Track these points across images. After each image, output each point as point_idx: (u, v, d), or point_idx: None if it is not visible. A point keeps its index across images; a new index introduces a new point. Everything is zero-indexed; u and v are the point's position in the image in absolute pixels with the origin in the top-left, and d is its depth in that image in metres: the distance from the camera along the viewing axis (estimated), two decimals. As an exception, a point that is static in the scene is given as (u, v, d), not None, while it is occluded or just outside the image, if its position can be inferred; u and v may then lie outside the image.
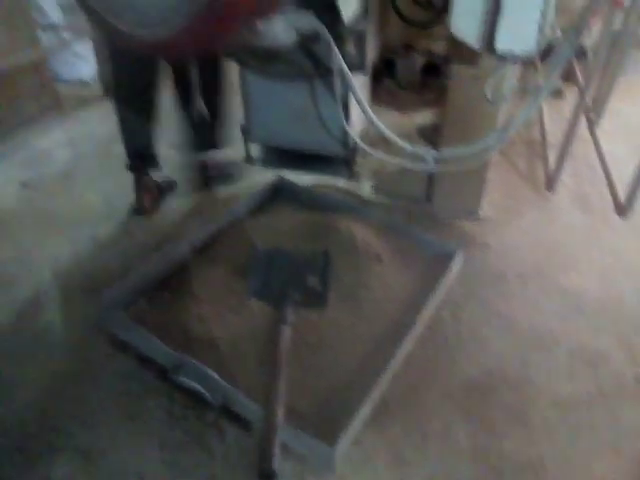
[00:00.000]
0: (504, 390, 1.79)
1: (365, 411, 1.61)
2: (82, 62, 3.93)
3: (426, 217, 2.61)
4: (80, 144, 3.27)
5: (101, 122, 3.49)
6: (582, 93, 2.63)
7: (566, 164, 2.90)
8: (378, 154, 1.54)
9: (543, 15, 1.09)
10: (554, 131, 3.27)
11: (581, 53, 3.75)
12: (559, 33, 1.30)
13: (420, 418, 1.69)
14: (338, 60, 1.33)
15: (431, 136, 2.88)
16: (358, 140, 1.51)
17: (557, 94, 3.89)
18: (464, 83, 2.12)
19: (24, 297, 2.11)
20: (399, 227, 2.36)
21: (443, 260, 2.14)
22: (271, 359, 1.59)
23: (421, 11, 1.63)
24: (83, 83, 3.95)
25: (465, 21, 1.16)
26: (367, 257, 2.11)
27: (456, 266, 2.18)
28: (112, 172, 2.93)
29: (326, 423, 1.55)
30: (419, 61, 3.93)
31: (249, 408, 1.52)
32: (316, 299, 1.93)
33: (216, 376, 1.56)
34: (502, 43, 1.13)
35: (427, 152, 1.50)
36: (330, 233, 2.18)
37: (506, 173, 3.04)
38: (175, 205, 2.66)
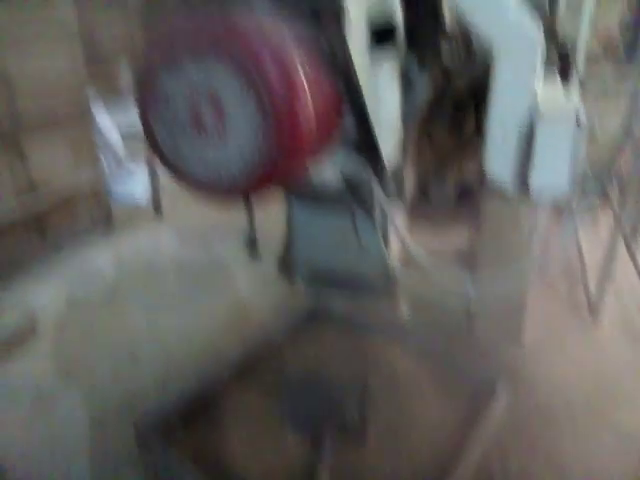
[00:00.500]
0: None
1: None
2: (136, 183, 4.25)
3: (467, 342, 2.54)
4: (127, 262, 3.43)
5: (149, 241, 3.70)
6: (618, 216, 2.65)
7: (608, 288, 2.85)
8: (417, 282, 1.56)
9: (574, 158, 1.16)
10: (592, 252, 3.24)
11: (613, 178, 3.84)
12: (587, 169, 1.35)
13: None
14: (378, 196, 1.41)
15: (468, 259, 2.90)
16: (397, 269, 1.54)
17: (593, 215, 3.92)
18: (498, 210, 2.18)
19: (61, 416, 2.10)
20: (440, 356, 2.30)
21: (486, 392, 2.05)
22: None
23: (453, 138, 1.75)
24: (135, 203, 4.24)
25: (498, 164, 1.24)
26: (407, 388, 2.04)
27: (500, 401, 2.08)
28: (155, 290, 3.04)
29: None
30: (453, 183, 4.07)
31: None
32: (355, 436, 1.85)
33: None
34: (537, 187, 1.18)
35: (466, 280, 1.51)
36: (369, 360, 2.14)
37: (546, 297, 2.98)
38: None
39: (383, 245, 1.55)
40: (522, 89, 1.17)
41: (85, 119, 3.51)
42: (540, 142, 1.17)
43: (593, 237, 3.49)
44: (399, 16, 1.30)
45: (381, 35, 1.32)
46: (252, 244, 1.59)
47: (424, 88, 1.43)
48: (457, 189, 4.18)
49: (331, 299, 2.51)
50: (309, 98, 0.93)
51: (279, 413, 1.91)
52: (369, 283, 1.69)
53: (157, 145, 1.01)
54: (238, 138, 0.93)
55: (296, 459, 1.74)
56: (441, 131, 2.07)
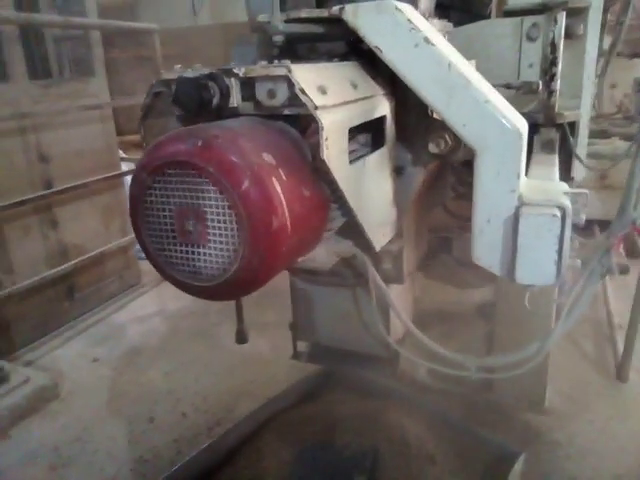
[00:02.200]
0: None
1: None
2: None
3: (486, 407, 2.48)
4: (151, 320, 3.55)
5: (174, 298, 3.82)
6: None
7: (637, 348, 2.75)
8: (417, 359, 1.57)
9: (560, 250, 1.17)
10: (621, 309, 3.15)
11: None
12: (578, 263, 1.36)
13: None
14: (373, 277, 1.46)
15: (490, 314, 2.87)
16: (395, 346, 1.56)
17: (623, 270, 3.82)
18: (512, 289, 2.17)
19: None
20: (456, 421, 2.25)
21: (506, 462, 1.98)
22: None
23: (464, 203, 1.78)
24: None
25: (485, 252, 1.26)
26: (419, 457, 2.00)
27: (518, 471, 2.01)
28: (175, 350, 3.13)
29: None
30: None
31: None
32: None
33: None
34: (522, 277, 1.20)
35: (470, 360, 1.51)
36: (380, 427, 2.11)
37: (572, 357, 2.90)
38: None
39: (381, 324, 1.58)
40: (504, 184, 1.21)
41: (116, 187, 3.72)
42: (523, 234, 1.19)
43: (623, 292, 3.40)
44: (389, 118, 1.37)
45: (373, 135, 1.39)
46: (240, 335, 1.67)
47: (417, 176, 1.48)
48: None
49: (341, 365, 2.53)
50: (286, 210, 1.00)
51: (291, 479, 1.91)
52: (370, 359, 1.72)
53: (145, 246, 1.10)
54: (218, 245, 1.01)
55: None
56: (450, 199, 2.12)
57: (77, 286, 3.50)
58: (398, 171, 1.50)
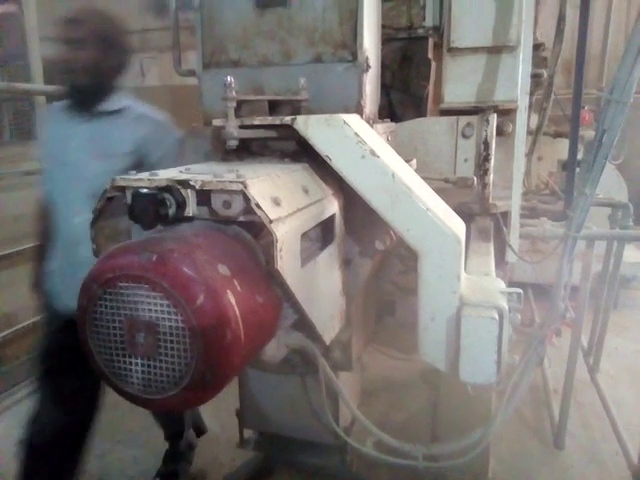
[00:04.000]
0: None
1: None
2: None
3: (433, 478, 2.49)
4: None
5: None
6: (576, 335, 2.74)
7: (573, 414, 2.87)
8: (368, 451, 1.58)
9: (499, 349, 1.25)
10: (556, 373, 3.30)
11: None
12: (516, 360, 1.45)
13: None
14: (323, 366, 1.48)
15: (434, 382, 2.93)
16: (344, 436, 1.57)
17: (555, 333, 4.02)
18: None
19: None
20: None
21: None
22: None
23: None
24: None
25: (429, 349, 1.32)
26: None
27: None
28: (113, 427, 2.95)
29: None
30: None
31: None
32: None
33: None
34: (464, 375, 1.26)
35: (416, 450, 1.54)
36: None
37: (512, 423, 2.98)
38: None
39: (330, 412, 1.58)
40: (446, 286, 1.29)
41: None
42: (465, 333, 1.26)
43: (556, 355, 3.57)
44: (338, 217, 1.43)
45: (323, 231, 1.45)
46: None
47: (365, 267, 1.55)
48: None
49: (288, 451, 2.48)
50: (240, 321, 1.01)
51: None
52: (319, 447, 1.71)
53: (92, 356, 1.07)
54: (170, 358, 1.00)
55: None
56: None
57: (4, 359, 3.28)
58: (347, 263, 1.56)
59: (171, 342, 1.00)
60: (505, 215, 2.03)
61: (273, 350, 1.41)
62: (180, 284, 0.98)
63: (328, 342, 1.41)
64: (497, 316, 1.25)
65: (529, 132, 2.96)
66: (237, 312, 1.02)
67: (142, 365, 1.03)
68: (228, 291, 1.02)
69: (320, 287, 1.36)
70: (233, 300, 1.03)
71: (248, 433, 1.78)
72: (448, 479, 2.52)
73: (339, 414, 1.65)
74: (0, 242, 3.18)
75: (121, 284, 1.01)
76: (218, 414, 2.88)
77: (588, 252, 2.65)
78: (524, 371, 1.52)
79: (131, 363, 1.04)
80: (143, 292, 1.00)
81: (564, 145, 3.23)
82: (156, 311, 1.00)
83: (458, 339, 1.26)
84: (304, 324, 1.37)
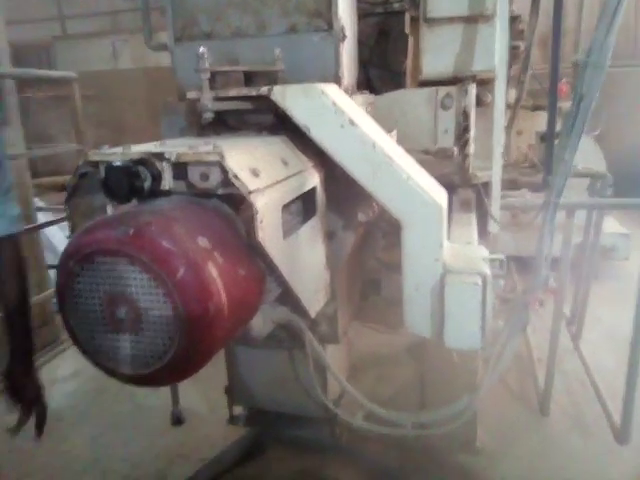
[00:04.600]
0: None
1: None
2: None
3: (422, 451, 2.53)
4: (72, 381, 3.32)
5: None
6: (558, 305, 2.78)
7: (557, 381, 2.93)
8: (358, 423, 1.59)
9: (483, 315, 1.26)
10: (539, 342, 3.36)
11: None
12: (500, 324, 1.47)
13: None
14: (309, 340, 1.48)
15: (421, 355, 2.96)
16: (333, 408, 1.58)
17: (538, 303, 4.08)
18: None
19: None
20: (393, 472, 2.29)
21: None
22: None
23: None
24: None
25: (414, 317, 1.33)
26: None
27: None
28: (102, 412, 2.95)
29: None
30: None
31: None
32: None
33: None
34: (449, 342, 1.27)
35: (405, 418, 1.56)
36: (320, 482, 2.11)
37: (498, 393, 3.04)
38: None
39: (318, 385, 1.59)
40: (429, 254, 1.29)
41: (32, 241, 3.51)
42: (449, 300, 1.27)
43: (539, 324, 3.63)
44: (320, 190, 1.42)
45: (305, 207, 1.44)
46: (176, 416, 1.61)
47: (348, 240, 1.54)
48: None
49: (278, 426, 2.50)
50: (223, 294, 1.00)
51: None
52: (309, 421, 1.72)
53: (73, 334, 1.05)
54: (152, 333, 0.99)
55: None
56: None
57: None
58: (330, 236, 1.55)
59: (153, 317, 0.98)
60: (486, 186, 2.03)
61: (259, 325, 1.40)
62: (159, 257, 0.96)
63: (314, 315, 1.41)
64: (480, 282, 1.26)
65: (508, 106, 2.96)
66: (219, 285, 1.01)
67: (124, 341, 1.01)
68: (209, 263, 1.01)
69: (303, 260, 1.35)
70: (215, 272, 1.01)
71: (238, 410, 1.78)
72: (437, 449, 2.57)
73: (327, 387, 1.65)
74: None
75: (98, 259, 0.99)
76: (207, 393, 2.89)
77: (568, 222, 2.68)
78: (508, 338, 1.54)
79: (113, 339, 1.02)
80: (121, 267, 0.98)
81: (543, 118, 3.25)
82: (136, 285, 0.98)
83: (442, 307, 1.27)
84: (289, 298, 1.37)
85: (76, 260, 1.01)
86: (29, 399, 1.54)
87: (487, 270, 1.29)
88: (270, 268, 1.20)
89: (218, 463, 2.30)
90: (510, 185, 2.93)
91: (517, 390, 3.08)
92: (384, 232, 2.09)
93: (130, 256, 0.96)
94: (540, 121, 4.05)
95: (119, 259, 0.98)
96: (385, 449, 2.51)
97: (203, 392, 2.93)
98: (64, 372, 3.42)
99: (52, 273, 3.72)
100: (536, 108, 4.07)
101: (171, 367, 1.00)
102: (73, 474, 2.48)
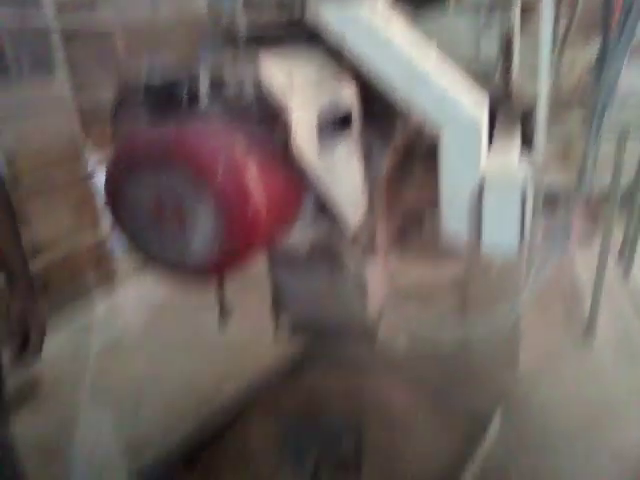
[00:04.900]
0: None
1: None
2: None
3: (464, 370, 2.59)
4: (131, 312, 3.55)
5: (152, 291, 3.83)
6: (607, 235, 2.72)
7: (604, 309, 2.90)
8: (398, 341, 1.66)
9: (522, 219, 1.25)
10: (588, 274, 3.29)
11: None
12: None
13: None
14: (349, 255, 1.52)
15: (463, 289, 2.97)
16: (375, 318, 1.64)
17: (588, 235, 3.96)
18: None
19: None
20: (435, 386, 2.36)
21: (482, 421, 2.10)
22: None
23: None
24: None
25: (453, 224, 1.34)
26: (402, 420, 2.10)
27: (495, 429, 2.13)
28: (158, 338, 3.15)
29: None
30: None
31: None
32: (350, 469, 1.92)
33: None
34: (488, 248, 1.28)
35: (446, 332, 1.60)
36: (363, 397, 2.21)
37: (543, 320, 3.02)
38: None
39: (359, 297, 1.64)
40: (467, 163, 1.28)
41: (85, 183, 3.68)
42: (488, 207, 1.26)
43: (590, 261, 3.53)
44: (355, 105, 1.42)
45: (341, 121, 1.44)
46: (223, 314, 1.71)
47: (384, 159, 1.54)
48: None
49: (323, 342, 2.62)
50: (260, 198, 1.04)
51: (278, 453, 1.98)
52: (350, 332, 1.79)
53: (126, 233, 1.14)
54: (197, 231, 1.05)
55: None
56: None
57: (51, 281, 3.46)
58: (366, 153, 1.55)
59: (196, 219, 1.04)
60: (530, 115, 1.95)
61: (300, 237, 1.46)
62: (199, 163, 1.01)
63: (352, 228, 1.44)
64: (520, 184, 1.25)
65: (557, 38, 2.78)
66: (257, 189, 1.05)
67: (172, 241, 1.08)
68: (247, 169, 1.05)
69: (340, 172, 1.37)
70: (252, 178, 1.05)
71: (282, 326, 1.87)
72: (479, 369, 2.61)
73: (367, 303, 1.70)
74: (30, 171, 3.27)
75: (142, 166, 1.05)
76: (256, 324, 3.03)
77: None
78: (550, 250, 1.52)
79: (161, 239, 1.09)
80: (164, 173, 1.03)
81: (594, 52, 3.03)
82: (179, 190, 1.04)
83: (481, 211, 1.27)
84: (327, 211, 1.40)
85: (121, 169, 1.07)
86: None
87: (527, 174, 1.27)
88: (308, 177, 1.23)
89: (263, 381, 2.45)
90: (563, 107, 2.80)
91: (562, 317, 3.06)
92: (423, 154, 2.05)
93: (171, 163, 1.02)
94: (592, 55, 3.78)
95: (161, 166, 1.03)
96: (427, 369, 2.59)
97: (252, 321, 3.08)
98: (123, 304, 3.65)
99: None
100: (589, 38, 3.80)
101: (214, 264, 1.06)
102: (135, 390, 2.68)
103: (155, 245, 1.11)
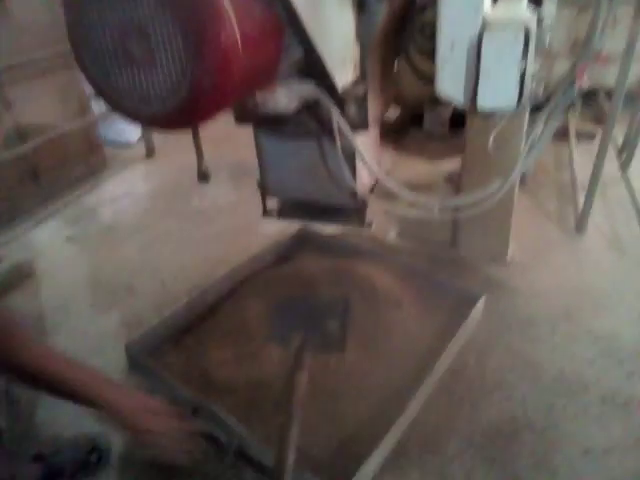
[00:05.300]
0: (529, 437, 1.73)
1: (380, 455, 1.60)
2: (128, 127, 4.24)
3: (451, 262, 2.61)
4: (121, 201, 3.52)
5: (142, 181, 3.78)
6: (607, 130, 2.62)
7: (598, 206, 2.87)
8: (383, 204, 1.62)
9: (522, 73, 1.16)
10: (586, 174, 3.23)
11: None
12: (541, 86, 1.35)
13: (440, 464, 1.66)
14: (337, 121, 1.44)
15: (457, 182, 2.93)
16: (361, 193, 1.59)
17: (589, 137, 3.86)
18: (480, 133, 2.19)
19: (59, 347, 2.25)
20: (421, 272, 2.38)
21: (467, 305, 2.13)
22: (286, 404, 1.63)
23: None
24: (128, 145, 4.26)
25: (449, 84, 1.24)
26: (387, 303, 2.13)
27: (479, 310, 2.17)
28: (150, 226, 3.15)
29: (341, 468, 1.56)
30: (446, 112, 4.04)
31: (264, 453, 1.56)
32: (334, 344, 1.97)
33: (232, 420, 1.61)
34: (484, 102, 1.19)
35: (432, 201, 1.56)
36: (350, 279, 2.23)
37: (535, 216, 3.02)
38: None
39: (348, 172, 1.58)
40: (468, 5, 1.16)
41: (72, 67, 3.47)
42: (486, 55, 1.16)
43: (588, 158, 3.45)
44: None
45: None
46: (202, 173, 1.64)
47: (380, 13, 1.40)
48: (450, 116, 4.15)
49: (311, 226, 2.61)
50: (235, 24, 0.94)
51: (265, 330, 2.03)
52: (339, 211, 1.74)
53: (89, 75, 1.04)
54: (165, 64, 0.95)
55: (278, 368, 1.86)
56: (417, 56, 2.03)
57: (41, 169, 3.39)
58: (360, 6, 1.42)
59: (164, 45, 0.95)
60: None
61: (284, 101, 1.37)
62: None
63: (340, 88, 1.35)
64: (522, 34, 1.14)
65: None
66: (231, 13, 0.95)
67: (139, 76, 1.00)
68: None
69: (329, 19, 1.25)
70: (227, 3, 0.94)
71: (271, 204, 1.83)
72: (466, 261, 2.64)
73: (357, 175, 1.65)
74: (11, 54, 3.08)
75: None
76: (248, 216, 3.01)
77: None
78: (550, 116, 1.43)
79: (128, 75, 1.00)
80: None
81: None
82: (144, 12, 0.93)
83: (478, 65, 1.17)
84: (313, 69, 1.30)
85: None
86: None
87: (531, 24, 1.16)
88: (290, 16, 1.12)
89: (255, 262, 2.47)
90: None
91: (555, 215, 3.04)
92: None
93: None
94: None
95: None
96: (415, 259, 2.61)
97: (243, 214, 3.06)
98: (114, 193, 3.61)
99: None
100: None
101: (188, 103, 0.99)
102: (127, 273, 2.71)
103: (119, 83, 1.02)
